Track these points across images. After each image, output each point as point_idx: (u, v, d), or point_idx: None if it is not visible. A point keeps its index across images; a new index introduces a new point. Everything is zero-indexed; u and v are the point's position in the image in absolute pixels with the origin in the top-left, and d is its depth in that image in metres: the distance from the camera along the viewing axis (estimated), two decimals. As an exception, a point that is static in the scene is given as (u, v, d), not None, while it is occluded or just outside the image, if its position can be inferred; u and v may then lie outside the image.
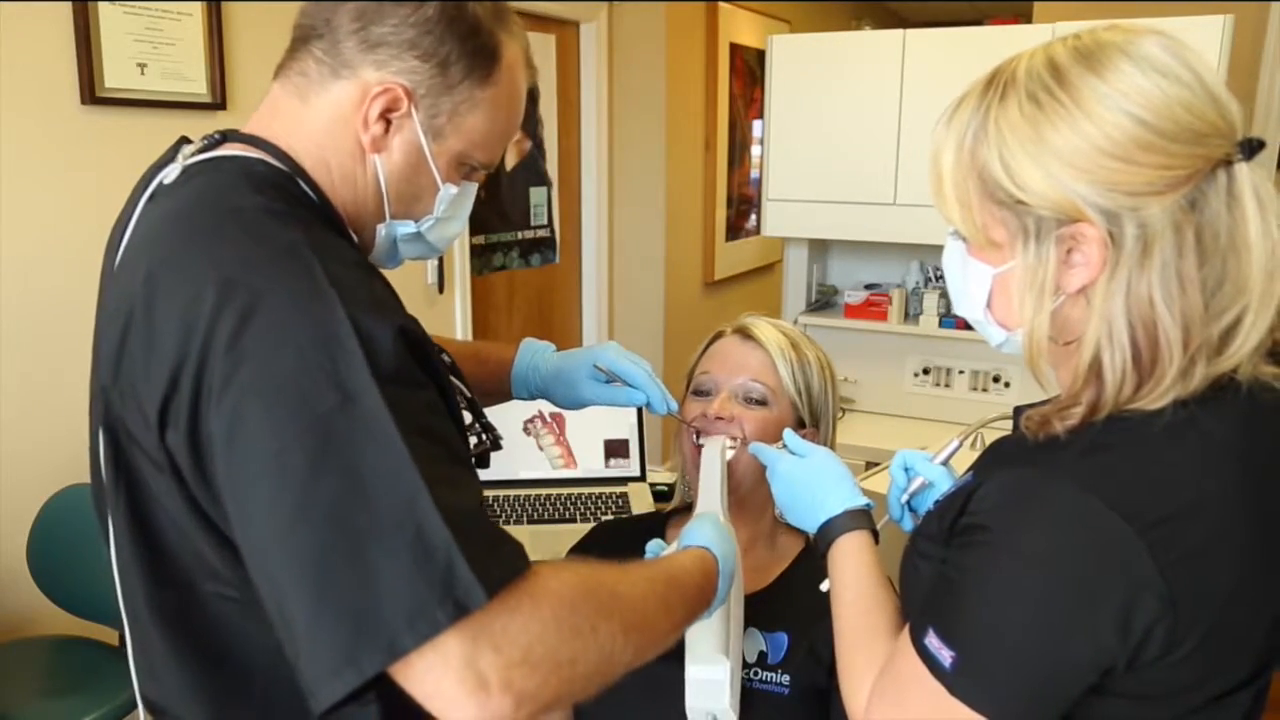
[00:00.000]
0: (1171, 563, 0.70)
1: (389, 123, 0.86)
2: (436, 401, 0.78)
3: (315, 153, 0.87)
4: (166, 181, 0.85)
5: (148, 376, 0.75)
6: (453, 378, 1.00)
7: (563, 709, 0.73)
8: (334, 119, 0.86)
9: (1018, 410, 0.84)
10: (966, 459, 1.01)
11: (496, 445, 1.01)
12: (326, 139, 0.87)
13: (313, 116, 0.87)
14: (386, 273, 0.91)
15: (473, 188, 0.96)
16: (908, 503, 1.07)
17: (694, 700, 0.97)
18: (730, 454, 1.21)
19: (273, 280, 0.72)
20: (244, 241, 0.76)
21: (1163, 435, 0.74)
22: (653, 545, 1.05)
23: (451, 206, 0.94)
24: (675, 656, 1.17)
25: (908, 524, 1.07)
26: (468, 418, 0.99)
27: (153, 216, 0.84)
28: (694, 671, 0.97)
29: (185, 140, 0.89)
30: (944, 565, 0.80)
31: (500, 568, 0.70)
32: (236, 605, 0.81)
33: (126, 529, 0.83)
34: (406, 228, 0.93)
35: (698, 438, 1.25)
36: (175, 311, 0.73)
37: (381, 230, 0.93)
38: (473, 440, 0.98)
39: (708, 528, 1.00)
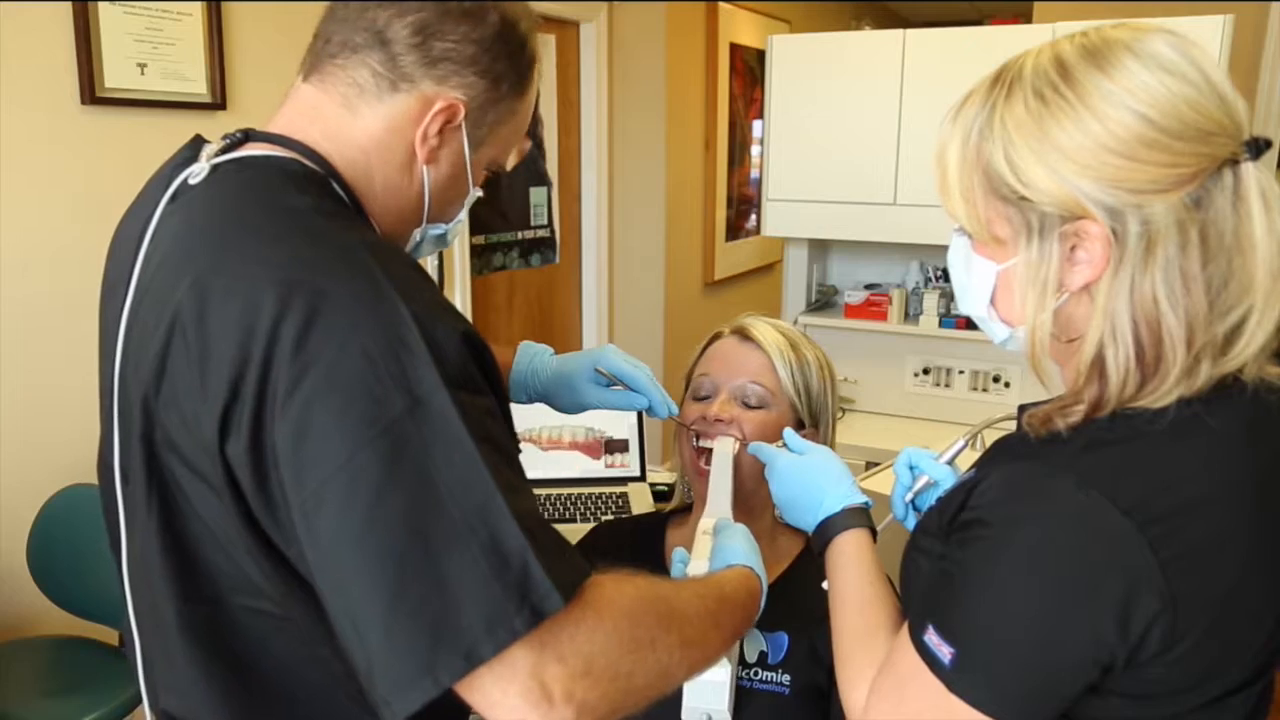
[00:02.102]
0: (1172, 559, 0.70)
1: (441, 135, 0.87)
2: (496, 409, 0.77)
3: (359, 160, 0.86)
4: (192, 181, 0.83)
5: (203, 386, 0.72)
6: None
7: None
8: (387, 130, 0.86)
9: (1022, 409, 0.84)
10: (969, 459, 1.01)
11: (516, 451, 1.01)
12: (375, 148, 0.86)
13: (361, 126, 0.86)
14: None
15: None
16: (911, 501, 1.07)
17: (692, 700, 0.97)
18: (736, 452, 1.21)
19: (334, 282, 0.71)
20: (300, 243, 0.74)
21: (1166, 433, 0.74)
22: (679, 553, 1.04)
23: (465, 206, 0.97)
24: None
25: (911, 523, 1.07)
26: None
27: (183, 218, 0.81)
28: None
29: (202, 139, 0.88)
30: (944, 561, 0.80)
31: (572, 573, 0.70)
32: (269, 620, 0.80)
33: (157, 541, 0.80)
34: (437, 230, 0.95)
35: (697, 440, 1.25)
36: (232, 317, 0.71)
37: (417, 234, 0.94)
38: None
39: (743, 543, 1.01)
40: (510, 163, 3.37)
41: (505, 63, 0.88)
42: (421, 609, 0.66)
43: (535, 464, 2.00)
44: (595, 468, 2.00)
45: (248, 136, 0.86)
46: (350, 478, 0.67)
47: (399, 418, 0.68)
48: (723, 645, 0.88)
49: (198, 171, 0.83)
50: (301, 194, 0.79)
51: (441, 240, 0.97)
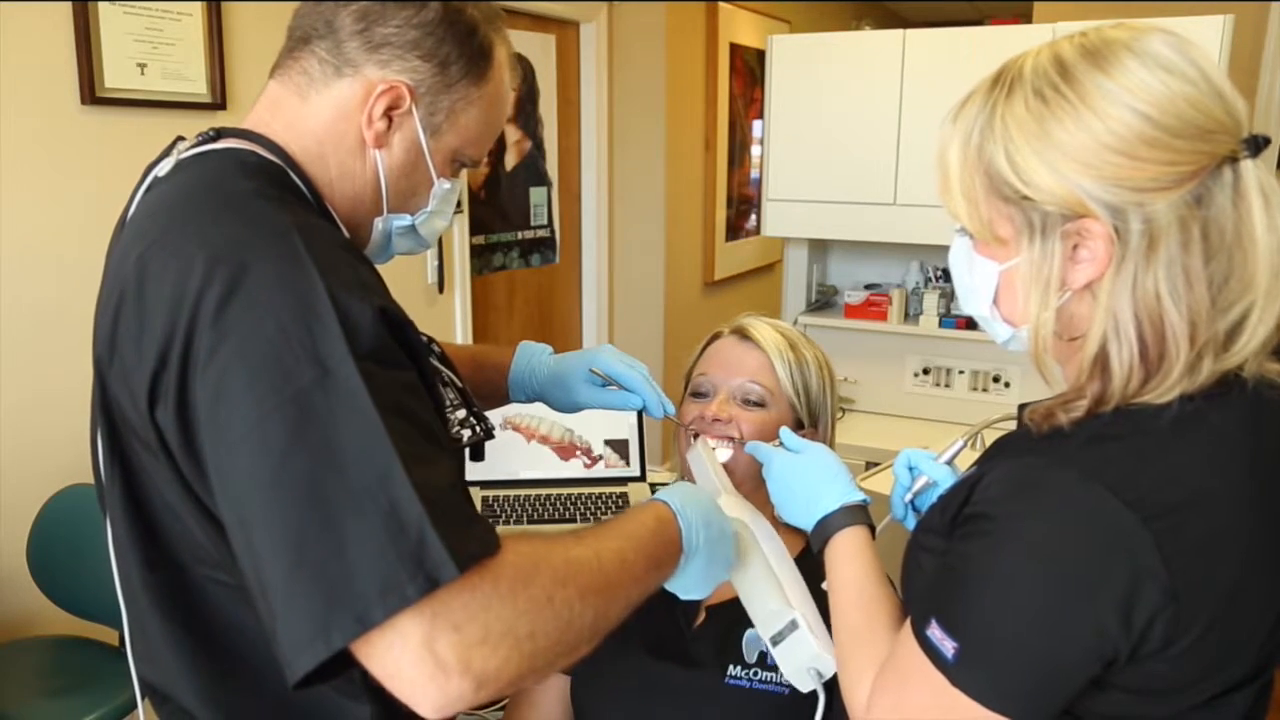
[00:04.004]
0: (1176, 553, 0.71)
1: (390, 120, 0.89)
2: (414, 383, 0.79)
3: (314, 148, 0.89)
4: (160, 175, 0.87)
5: (139, 355, 0.76)
6: (444, 368, 1.01)
7: (529, 685, 0.73)
8: (336, 116, 0.89)
9: (1022, 408, 0.84)
10: (968, 460, 1.01)
11: (489, 435, 1.01)
12: (327, 135, 0.89)
13: (313, 114, 0.89)
14: (388, 269, 0.92)
15: (460, 183, 0.99)
16: (911, 502, 1.07)
17: (786, 663, 0.93)
18: (716, 448, 1.21)
19: (258, 257, 0.74)
20: (234, 222, 0.78)
21: (1169, 428, 0.74)
22: None
23: (441, 201, 0.97)
24: (675, 657, 1.17)
25: (911, 523, 1.07)
26: (461, 414, 1.00)
27: (144, 206, 0.86)
28: (768, 632, 0.94)
29: (181, 138, 0.91)
30: (945, 557, 0.80)
31: (472, 545, 0.71)
32: (228, 590, 0.82)
33: (122, 512, 0.85)
34: (402, 221, 0.96)
35: (696, 440, 1.25)
36: (165, 289, 0.75)
37: (378, 224, 0.95)
38: (466, 433, 0.99)
39: (670, 488, 1.00)
40: (509, 162, 3.37)
41: (452, 47, 0.89)
42: (319, 571, 0.68)
43: (534, 463, 2.00)
44: (595, 467, 2.00)
45: (220, 134, 0.89)
46: (258, 442, 0.69)
47: (307, 387, 0.70)
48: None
49: (165, 165, 0.87)
50: (247, 180, 0.83)
51: (413, 234, 0.98)
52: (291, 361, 0.71)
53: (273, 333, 0.71)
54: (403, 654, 0.67)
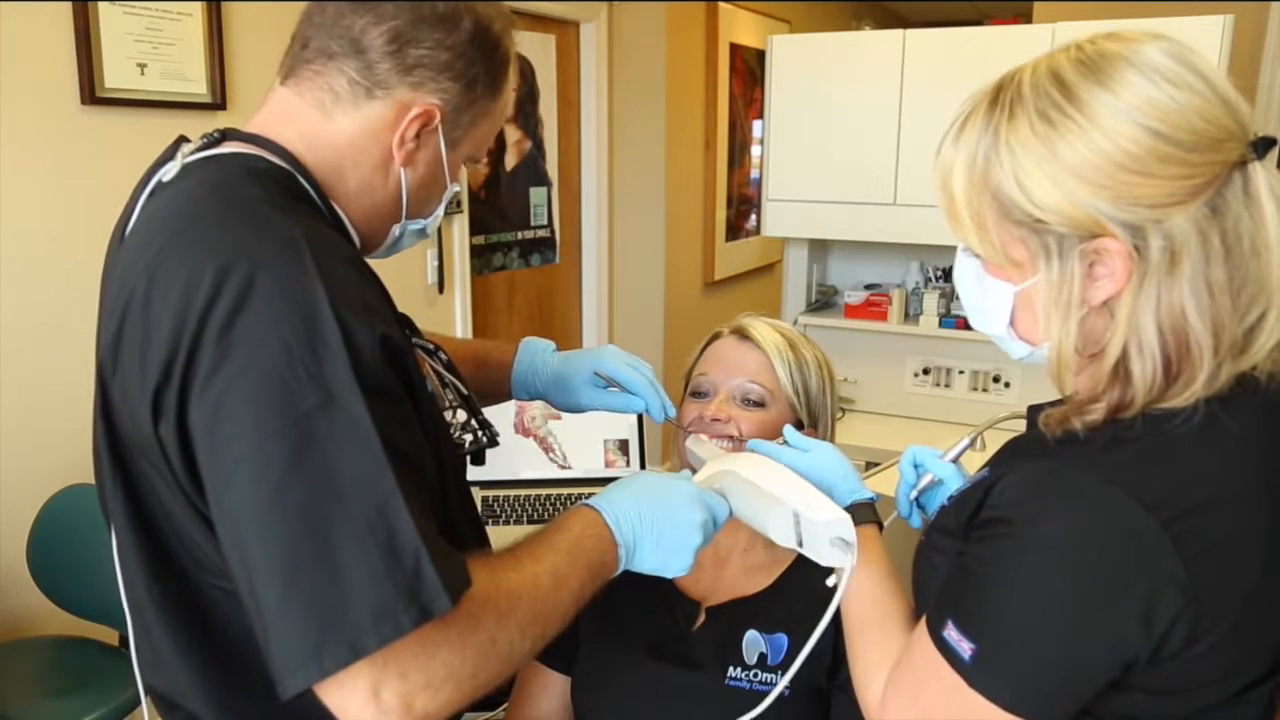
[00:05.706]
0: (1195, 556, 0.70)
1: (418, 139, 0.89)
2: (409, 416, 0.79)
3: (331, 161, 0.88)
4: (165, 179, 0.86)
5: (143, 367, 0.75)
6: (449, 375, 1.00)
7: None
8: (363, 135, 0.88)
9: (1033, 409, 0.84)
10: (971, 459, 1.01)
11: (494, 442, 1.01)
12: (349, 151, 0.88)
13: (336, 131, 0.88)
14: (388, 269, 0.92)
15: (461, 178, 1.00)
16: (916, 499, 1.07)
17: (815, 553, 0.93)
18: (715, 443, 1.21)
19: (267, 272, 0.73)
20: (243, 231, 0.77)
21: (1186, 432, 0.74)
22: None
23: (446, 199, 0.98)
24: (675, 659, 1.17)
25: (915, 520, 1.07)
26: (462, 415, 0.99)
27: (151, 212, 0.85)
28: (789, 540, 0.94)
29: (184, 139, 0.90)
30: (962, 558, 0.80)
31: (459, 580, 0.72)
32: (234, 597, 0.81)
33: (125, 521, 0.84)
34: (417, 225, 0.97)
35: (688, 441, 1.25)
36: (172, 299, 0.74)
37: (396, 230, 0.96)
38: (468, 437, 0.99)
39: (602, 492, 0.98)
40: (509, 162, 3.37)
41: (480, 66, 0.89)
42: (314, 596, 0.68)
43: (534, 464, 2.00)
44: (595, 467, 2.00)
45: (225, 136, 0.88)
46: (257, 464, 0.69)
47: (310, 411, 0.70)
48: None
49: (171, 169, 0.86)
50: (256, 187, 0.81)
51: (422, 234, 0.99)
52: (295, 384, 0.70)
53: (277, 353, 0.71)
54: (350, 695, 0.69)
